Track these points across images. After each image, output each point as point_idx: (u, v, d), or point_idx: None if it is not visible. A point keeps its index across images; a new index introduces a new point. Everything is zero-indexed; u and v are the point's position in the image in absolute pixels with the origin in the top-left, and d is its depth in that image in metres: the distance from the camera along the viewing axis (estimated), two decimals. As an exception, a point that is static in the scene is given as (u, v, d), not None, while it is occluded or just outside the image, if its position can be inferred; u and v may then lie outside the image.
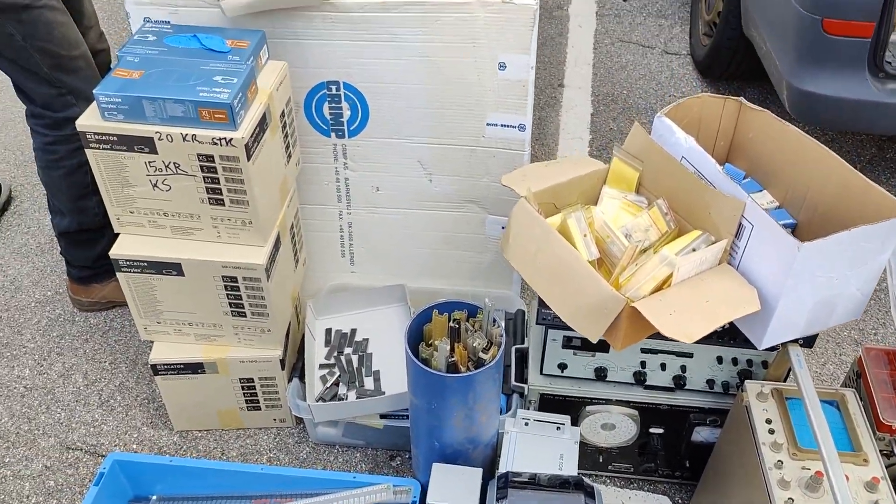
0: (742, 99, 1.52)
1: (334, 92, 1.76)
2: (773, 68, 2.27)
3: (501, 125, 1.78)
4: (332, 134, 1.83)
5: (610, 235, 1.35)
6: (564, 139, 2.81)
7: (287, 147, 1.68)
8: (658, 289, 1.26)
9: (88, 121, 1.42)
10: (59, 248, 2.07)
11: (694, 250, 1.30)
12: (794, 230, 1.45)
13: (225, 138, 1.40)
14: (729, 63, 2.82)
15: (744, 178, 1.53)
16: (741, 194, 1.27)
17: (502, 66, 1.70)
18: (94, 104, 1.42)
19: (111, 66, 1.57)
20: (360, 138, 1.84)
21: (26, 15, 1.59)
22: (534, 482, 1.35)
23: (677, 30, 3.41)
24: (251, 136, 1.44)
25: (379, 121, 1.80)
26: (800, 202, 1.44)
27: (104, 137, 1.43)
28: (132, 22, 1.68)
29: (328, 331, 1.91)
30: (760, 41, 2.36)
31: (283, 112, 1.62)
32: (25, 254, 2.33)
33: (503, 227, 1.94)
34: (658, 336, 1.20)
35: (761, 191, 1.51)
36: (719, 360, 1.50)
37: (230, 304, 1.64)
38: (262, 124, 1.49)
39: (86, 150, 1.45)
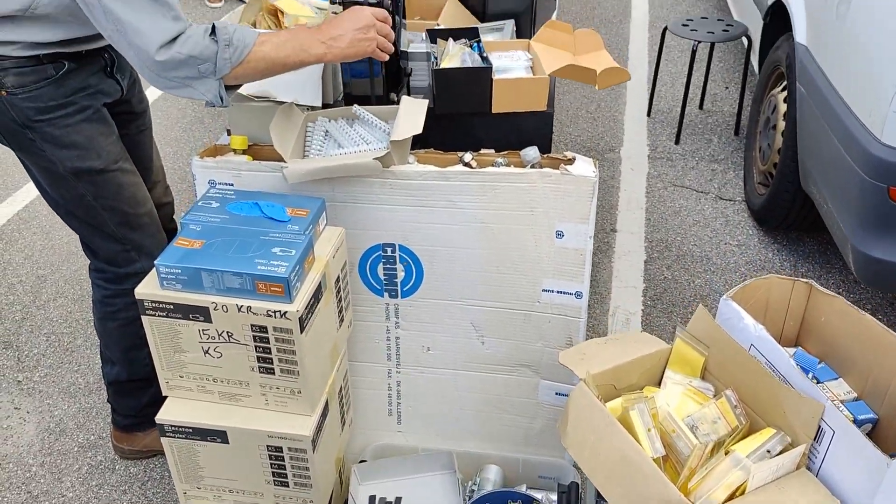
0: (812, 282, 1.46)
1: (389, 254, 1.76)
2: (836, 229, 2.22)
3: (557, 291, 1.74)
4: (385, 294, 1.82)
5: (676, 430, 1.27)
6: (617, 287, 2.76)
7: (340, 311, 1.66)
8: (731, 496, 1.17)
9: (147, 289, 1.43)
10: (106, 392, 2.06)
11: (768, 452, 1.22)
12: (875, 426, 1.35)
13: (279, 311, 1.39)
14: (786, 215, 2.78)
15: (818, 364, 1.45)
16: (819, 396, 1.19)
17: (560, 234, 1.68)
18: (153, 272, 1.44)
19: (175, 230, 1.59)
20: (413, 299, 1.81)
21: (100, 178, 1.65)
22: None
23: (731, 175, 3.40)
24: (305, 309, 1.42)
25: (433, 282, 1.78)
26: (881, 394, 1.35)
27: (161, 305, 1.43)
28: (198, 184, 1.72)
29: (372, 498, 1.83)
30: (821, 200, 2.31)
31: (338, 277, 1.61)
32: (73, 393, 2.33)
33: (556, 393, 1.88)
34: (732, 552, 1.10)
35: (837, 379, 1.42)
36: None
37: (273, 473, 1.59)
38: (317, 294, 1.48)
39: (141, 317, 1.45)
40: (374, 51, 1.53)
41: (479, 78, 1.64)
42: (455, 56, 1.68)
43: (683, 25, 3.47)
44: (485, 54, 1.74)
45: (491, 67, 1.64)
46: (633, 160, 3.54)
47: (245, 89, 1.71)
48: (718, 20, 3.53)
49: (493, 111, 1.68)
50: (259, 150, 1.75)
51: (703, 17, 3.55)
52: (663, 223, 3.11)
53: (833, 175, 2.17)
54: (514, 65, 1.77)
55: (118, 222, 1.70)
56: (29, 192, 3.33)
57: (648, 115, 3.88)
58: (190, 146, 3.70)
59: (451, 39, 1.74)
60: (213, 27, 1.38)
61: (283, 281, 1.37)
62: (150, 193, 1.89)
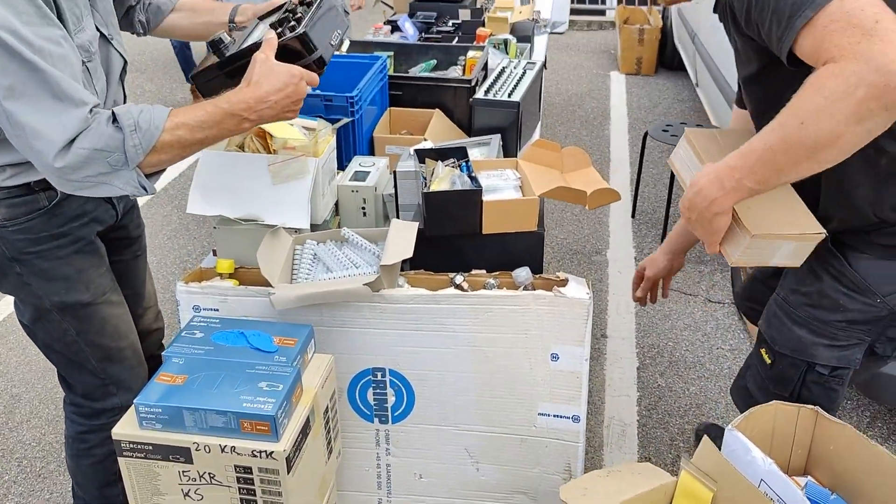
0: (818, 409, 1.41)
1: (379, 378, 1.70)
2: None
3: (554, 415, 1.69)
4: (376, 419, 1.75)
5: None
6: (611, 396, 2.70)
7: (328, 442, 1.59)
8: None
9: (125, 429, 1.36)
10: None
11: None
12: (895, 564, 1.28)
13: (266, 451, 1.32)
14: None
15: (831, 496, 1.39)
16: (838, 540, 1.13)
17: (555, 357, 1.64)
18: (132, 410, 1.37)
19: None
20: (405, 424, 1.75)
21: (85, 311, 1.57)
22: None
23: (718, 276, 3.40)
24: (293, 447, 1.35)
25: (425, 407, 1.72)
26: (898, 529, 1.29)
27: (139, 446, 1.35)
28: (182, 310, 1.68)
29: None
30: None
31: (326, 408, 1.55)
32: (43, 524, 2.20)
33: (556, 523, 1.79)
34: None
35: (851, 511, 1.36)
36: None
37: None
38: (305, 429, 1.42)
39: (118, 458, 1.37)
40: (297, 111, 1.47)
41: (469, 200, 1.63)
42: (444, 178, 1.68)
43: (664, 131, 3.54)
44: (474, 174, 1.74)
45: (480, 189, 1.63)
46: (621, 263, 3.54)
47: (231, 212, 1.69)
48: (697, 125, 3.61)
49: (484, 232, 1.66)
50: (246, 274, 1.72)
51: (682, 123, 3.64)
52: (654, 328, 3.08)
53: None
54: (503, 184, 1.77)
55: (100, 357, 1.61)
56: (7, 304, 3.26)
57: (633, 216, 3.92)
58: (174, 255, 3.66)
59: (439, 162, 1.74)
60: (114, 114, 1.28)
61: (270, 419, 1.31)
62: (141, 320, 1.83)
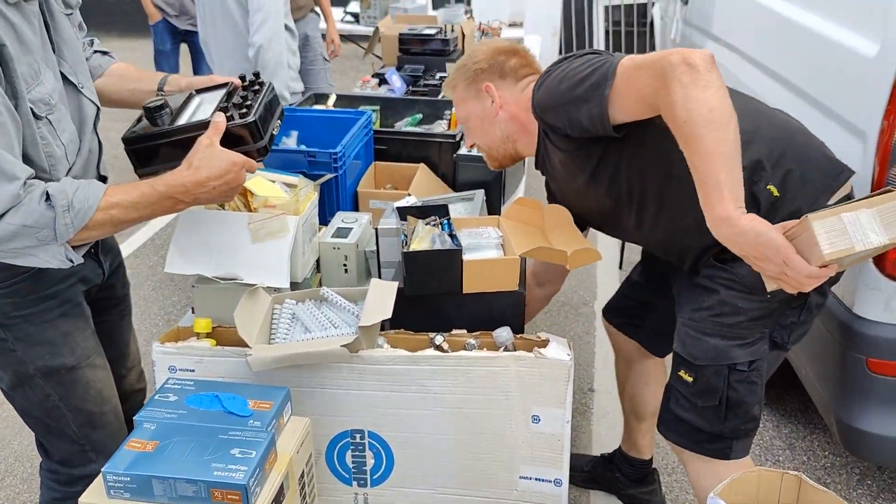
0: (802, 476, 1.39)
1: (358, 440, 1.67)
2: (817, 396, 2.17)
3: (536, 479, 1.66)
4: (354, 483, 1.71)
5: None
6: (598, 453, 2.65)
7: (304, 508, 1.55)
8: None
9: (92, 498, 1.32)
10: None
11: None
12: None
13: (236, 521, 1.28)
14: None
15: (815, 566, 1.36)
16: None
17: (536, 419, 1.61)
18: (99, 478, 1.33)
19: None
20: (384, 488, 1.71)
21: (69, 376, 1.52)
22: None
23: (705, 328, 3.39)
24: (265, 517, 1.32)
25: (405, 470, 1.69)
26: None
27: (106, 516, 1.31)
28: (157, 370, 1.66)
29: None
30: (799, 364, 2.28)
31: (302, 473, 1.51)
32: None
33: (539, 590, 1.74)
34: None
35: (837, 583, 1.33)
36: None
37: None
38: (279, 497, 1.38)
39: (85, 528, 1.33)
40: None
41: (450, 260, 1.62)
42: (424, 238, 1.67)
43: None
44: (454, 233, 1.74)
45: (461, 249, 1.63)
46: (608, 314, 3.53)
47: (210, 271, 1.68)
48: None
49: (465, 292, 1.65)
50: (224, 333, 1.70)
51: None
52: (641, 381, 3.05)
53: (810, 343, 2.15)
54: (484, 243, 1.76)
55: (81, 422, 1.56)
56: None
57: (620, 267, 3.91)
58: (158, 305, 3.63)
59: (420, 222, 1.74)
60: (48, 192, 1.26)
61: (241, 488, 1.28)
62: (124, 381, 1.79)
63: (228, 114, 1.48)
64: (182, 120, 1.51)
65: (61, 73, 1.41)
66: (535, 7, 6.67)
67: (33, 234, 1.26)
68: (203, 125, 1.45)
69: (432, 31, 3.83)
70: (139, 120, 1.54)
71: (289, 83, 3.26)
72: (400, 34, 3.82)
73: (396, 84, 3.46)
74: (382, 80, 3.50)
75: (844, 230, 1.19)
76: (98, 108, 1.55)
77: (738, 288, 1.55)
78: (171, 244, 1.69)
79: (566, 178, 1.70)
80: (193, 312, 1.80)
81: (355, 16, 5.47)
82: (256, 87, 1.60)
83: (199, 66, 5.33)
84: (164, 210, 1.40)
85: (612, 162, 1.57)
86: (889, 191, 1.23)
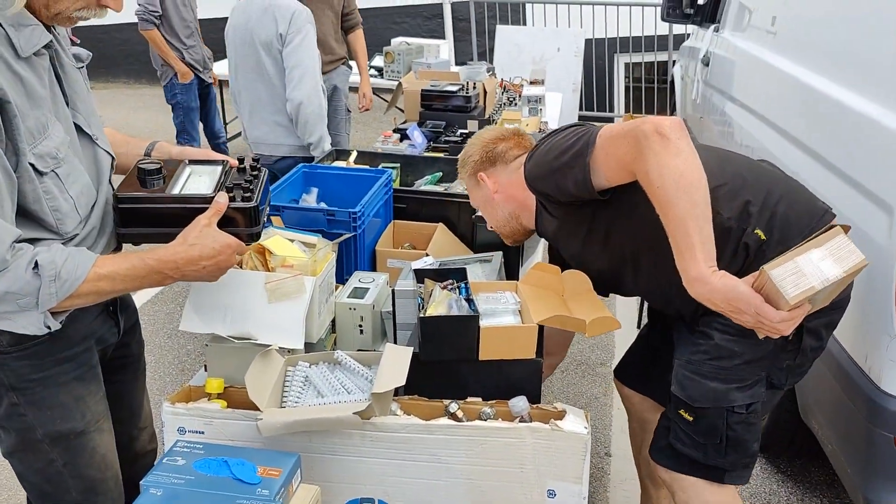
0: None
1: (368, 510, 1.63)
2: (843, 473, 2.10)
3: (551, 556, 1.60)
4: (363, 554, 1.66)
5: None
6: (615, 522, 2.58)
7: (310, 581, 1.50)
8: None
9: (93, 567, 1.29)
10: None
11: None
12: None
13: None
14: (788, 445, 2.66)
15: None
16: None
17: (551, 494, 1.57)
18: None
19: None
20: (393, 560, 1.65)
21: (77, 441, 1.48)
22: None
23: (726, 393, 3.31)
24: (270, 593, 1.27)
25: (415, 543, 1.63)
26: None
27: (107, 586, 1.28)
28: (166, 431, 1.63)
29: None
30: (825, 439, 2.21)
31: (310, 543, 1.47)
32: None
33: None
34: None
35: None
36: None
37: None
38: (285, 571, 1.34)
39: None
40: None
41: (467, 327, 1.60)
42: (441, 303, 1.66)
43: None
44: (471, 297, 1.72)
45: (478, 316, 1.61)
46: (626, 376, 3.46)
47: (225, 330, 1.67)
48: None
49: (481, 359, 1.62)
50: (235, 394, 1.67)
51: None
52: (660, 447, 2.97)
53: (835, 417, 2.09)
54: (501, 308, 1.74)
55: (82, 489, 1.52)
56: None
57: (638, 326, 3.86)
58: (173, 355, 3.62)
59: (437, 286, 1.72)
60: (37, 261, 1.24)
61: (247, 562, 1.24)
62: (135, 442, 1.76)
63: (231, 194, 1.48)
64: (175, 189, 1.50)
65: (75, 126, 1.42)
66: (556, 64, 6.76)
67: (14, 301, 1.25)
68: (203, 200, 1.45)
69: (454, 88, 3.87)
70: (129, 177, 1.51)
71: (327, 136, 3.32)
72: (422, 90, 3.87)
73: (418, 140, 3.49)
74: (404, 136, 3.53)
75: (801, 272, 1.29)
76: (113, 159, 1.55)
77: (733, 332, 1.61)
78: (188, 301, 1.69)
79: (565, 244, 1.82)
80: (206, 370, 1.78)
81: (379, 69, 5.56)
82: (256, 172, 1.59)
83: (210, 116, 5.34)
84: (152, 284, 1.39)
85: (602, 224, 1.68)
86: (831, 227, 1.37)
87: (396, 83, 4.66)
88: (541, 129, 3.62)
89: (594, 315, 1.63)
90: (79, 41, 1.58)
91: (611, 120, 7.71)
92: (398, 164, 2.85)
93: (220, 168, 1.60)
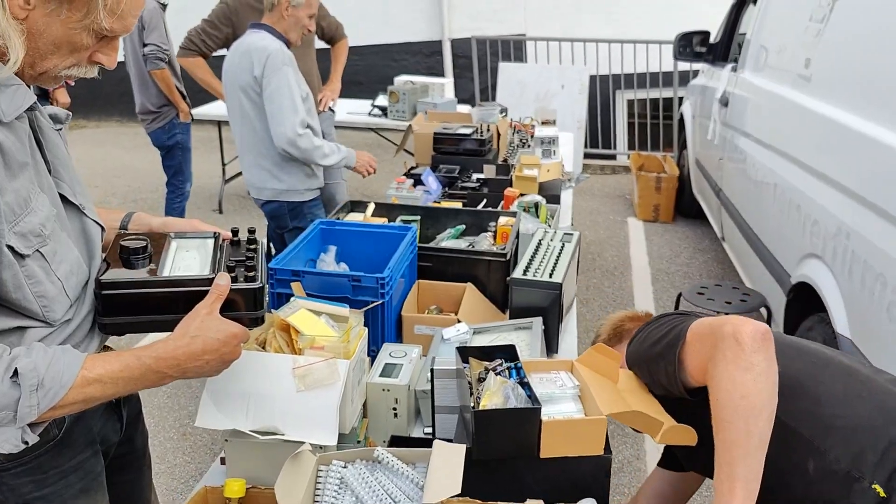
0: None
1: None
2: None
3: None
4: None
5: None
6: None
7: None
8: None
9: None
10: None
11: None
12: None
13: None
14: None
15: None
16: None
17: None
18: None
19: None
20: None
21: None
22: None
23: None
24: None
25: None
26: None
27: None
28: (181, 544, 1.41)
29: None
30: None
31: None
32: None
33: None
34: None
35: None
36: None
37: None
38: None
39: None
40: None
41: (527, 420, 1.40)
42: (496, 392, 1.46)
43: (699, 294, 3.37)
44: (526, 380, 1.52)
45: (539, 408, 1.41)
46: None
47: (247, 424, 1.46)
48: (734, 288, 3.43)
49: (542, 456, 1.42)
50: (258, 496, 1.46)
51: (717, 285, 3.46)
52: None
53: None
54: (559, 393, 1.55)
55: None
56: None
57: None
58: (174, 416, 3.40)
59: (491, 373, 1.52)
60: (16, 370, 1.06)
61: None
62: None
63: (233, 274, 1.29)
64: (165, 269, 1.31)
65: (60, 196, 1.23)
66: (561, 101, 6.65)
67: None
68: (201, 283, 1.26)
69: (468, 131, 3.72)
70: (110, 256, 1.31)
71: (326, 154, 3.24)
72: (435, 132, 3.71)
73: (432, 186, 3.32)
74: (417, 181, 3.36)
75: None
76: (103, 229, 1.36)
77: None
78: (205, 391, 1.48)
79: None
80: (223, 463, 1.57)
81: (383, 109, 5.41)
82: (253, 246, 1.40)
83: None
84: (147, 385, 1.20)
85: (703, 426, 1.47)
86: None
87: (406, 126, 4.51)
88: (564, 176, 3.45)
89: (669, 421, 1.45)
90: (73, 82, 1.39)
91: (613, 157, 7.60)
92: (419, 217, 2.67)
93: (210, 242, 1.41)
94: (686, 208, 5.68)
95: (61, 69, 1.16)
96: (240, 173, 5.72)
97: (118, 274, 1.27)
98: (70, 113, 1.37)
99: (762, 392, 1.28)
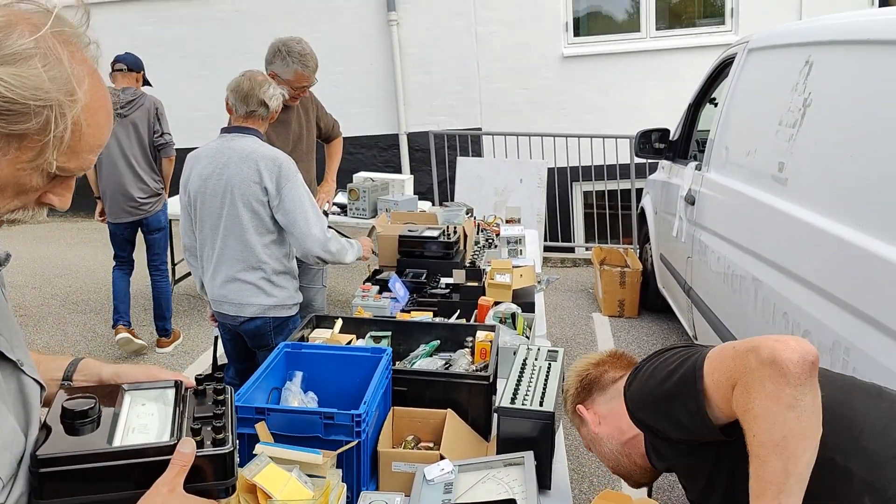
0: None
1: None
2: None
3: None
4: None
5: None
6: None
7: None
8: None
9: None
10: None
11: None
12: None
13: None
14: None
15: None
16: None
17: None
18: None
19: None
20: None
21: None
22: None
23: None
24: None
25: None
26: None
27: None
28: None
29: None
30: None
31: None
32: None
33: None
34: None
35: None
36: None
37: None
38: None
39: None
40: None
41: None
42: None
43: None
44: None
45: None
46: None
47: None
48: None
49: None
50: None
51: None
52: None
53: None
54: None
55: None
56: None
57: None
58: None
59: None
60: None
61: None
62: None
63: (199, 437, 1.09)
64: (117, 435, 1.09)
65: None
66: (520, 195, 6.64)
67: None
68: (160, 451, 1.05)
69: (434, 233, 3.60)
70: (49, 420, 1.09)
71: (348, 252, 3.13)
72: (400, 235, 3.58)
73: (400, 293, 3.15)
74: (383, 287, 3.18)
75: None
76: (43, 388, 1.14)
77: None
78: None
79: (684, 484, 1.45)
80: None
81: (343, 207, 5.27)
82: (221, 398, 1.19)
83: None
84: None
85: (726, 470, 1.35)
86: None
87: (369, 225, 4.37)
88: (538, 280, 3.32)
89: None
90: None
91: (572, 251, 7.57)
92: (389, 333, 2.48)
93: (171, 392, 1.20)
94: (651, 302, 5.61)
95: (3, 214, 0.98)
96: (188, 274, 5.49)
97: (59, 446, 1.05)
98: (10, 254, 1.17)
99: (806, 431, 1.14)
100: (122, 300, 4.90)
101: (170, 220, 5.15)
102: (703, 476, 1.39)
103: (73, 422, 1.07)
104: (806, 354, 1.14)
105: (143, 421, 1.13)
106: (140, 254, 4.93)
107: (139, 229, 4.89)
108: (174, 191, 5.04)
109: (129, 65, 4.68)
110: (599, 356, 1.75)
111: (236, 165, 2.90)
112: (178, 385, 1.21)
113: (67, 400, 1.10)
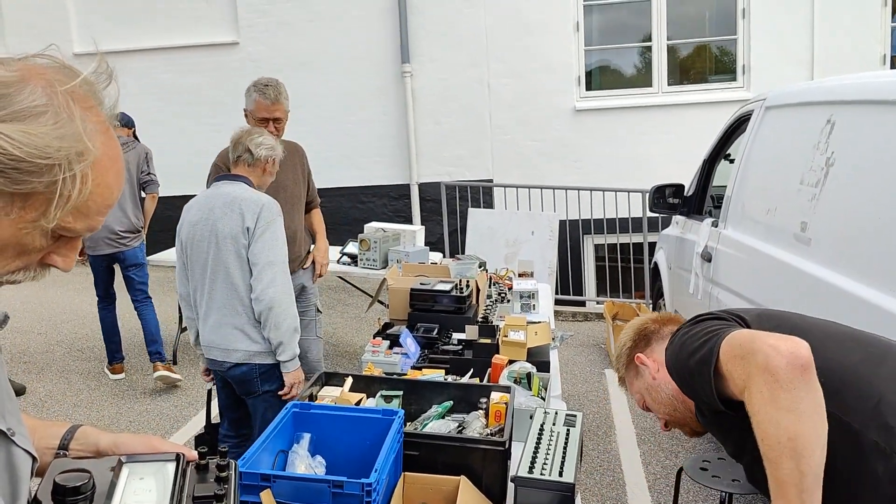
0: None
1: None
2: None
3: None
4: None
5: None
6: None
7: None
8: None
9: None
10: None
11: None
12: None
13: None
14: None
15: None
16: None
17: None
18: None
19: None
20: None
21: None
22: None
23: None
24: None
25: None
26: None
27: None
28: None
29: None
30: None
31: None
32: None
33: None
34: None
35: None
36: None
37: None
38: None
39: None
40: None
41: None
42: None
43: (702, 469, 3.09)
44: None
45: None
46: None
47: None
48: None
49: None
50: None
51: (720, 458, 3.20)
52: None
53: None
54: None
55: None
56: None
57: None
58: None
59: None
60: None
61: None
62: None
63: None
64: None
65: None
66: (531, 247, 6.58)
67: None
68: None
69: (446, 287, 3.52)
70: (38, 497, 1.01)
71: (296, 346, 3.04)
72: (412, 289, 3.50)
73: (411, 348, 3.08)
74: (394, 342, 3.11)
75: None
76: (35, 460, 1.07)
77: None
78: None
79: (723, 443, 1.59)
80: None
81: (353, 257, 5.22)
82: (224, 475, 1.12)
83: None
84: None
85: (750, 441, 1.35)
86: None
87: (380, 277, 4.31)
88: (553, 337, 3.24)
89: None
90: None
91: (583, 304, 7.48)
92: (401, 392, 2.40)
93: (171, 467, 1.12)
94: (665, 359, 5.49)
95: (2, 274, 0.92)
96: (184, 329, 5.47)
97: None
98: (8, 316, 1.11)
99: (809, 430, 1.18)
100: (111, 338, 5.16)
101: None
102: (731, 442, 1.49)
103: (65, 499, 0.99)
104: (796, 359, 1.18)
105: (139, 498, 1.05)
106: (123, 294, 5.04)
107: (116, 264, 5.10)
108: (154, 230, 5.22)
109: (121, 122, 4.98)
110: (656, 315, 1.83)
111: (220, 210, 2.94)
112: (178, 458, 1.13)
113: (60, 474, 1.02)
